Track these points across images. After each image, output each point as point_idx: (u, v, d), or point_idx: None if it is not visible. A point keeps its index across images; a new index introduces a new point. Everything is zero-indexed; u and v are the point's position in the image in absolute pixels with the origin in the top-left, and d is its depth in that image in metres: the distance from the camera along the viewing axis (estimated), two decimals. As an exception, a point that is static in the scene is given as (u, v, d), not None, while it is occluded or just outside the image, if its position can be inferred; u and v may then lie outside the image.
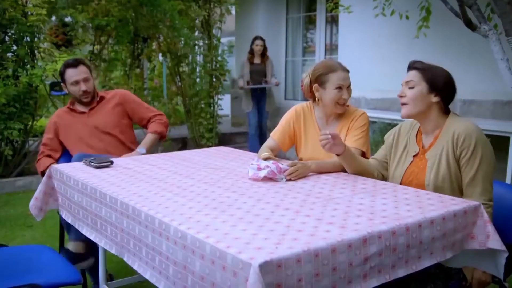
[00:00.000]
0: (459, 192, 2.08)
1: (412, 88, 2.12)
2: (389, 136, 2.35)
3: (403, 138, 2.28)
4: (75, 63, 3.11)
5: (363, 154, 2.45)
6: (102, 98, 3.19)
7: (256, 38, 6.79)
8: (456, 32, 4.54)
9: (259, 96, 6.88)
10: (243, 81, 6.77)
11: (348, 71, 2.48)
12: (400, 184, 2.20)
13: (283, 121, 2.66)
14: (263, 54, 6.82)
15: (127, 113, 3.22)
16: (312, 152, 2.54)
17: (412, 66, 2.17)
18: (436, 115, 2.14)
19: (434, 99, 2.11)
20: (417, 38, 4.59)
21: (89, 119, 3.11)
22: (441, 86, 2.10)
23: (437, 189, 2.06)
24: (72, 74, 3.08)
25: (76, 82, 3.08)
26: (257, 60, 6.82)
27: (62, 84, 3.18)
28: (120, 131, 3.15)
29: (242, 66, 6.84)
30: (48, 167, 2.72)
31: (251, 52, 6.79)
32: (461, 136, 2.03)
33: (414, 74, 2.14)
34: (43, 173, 2.90)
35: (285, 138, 2.62)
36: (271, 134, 2.67)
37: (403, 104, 2.14)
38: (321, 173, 2.32)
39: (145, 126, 3.29)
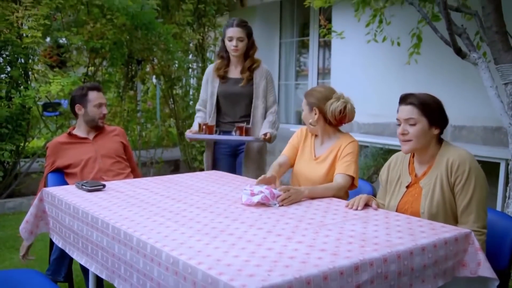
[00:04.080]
0: (453, 219, 2.10)
1: (413, 125, 2.14)
2: (382, 174, 2.41)
3: (396, 170, 2.33)
4: (99, 88, 3.25)
5: (352, 179, 2.54)
6: (103, 128, 3.27)
7: (228, 24, 3.30)
8: (447, 59, 4.61)
9: (232, 153, 3.46)
10: (201, 121, 3.37)
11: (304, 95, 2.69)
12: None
13: (291, 139, 2.83)
14: (247, 56, 3.35)
15: (124, 147, 3.31)
16: (302, 166, 2.71)
17: (406, 101, 2.17)
18: (433, 145, 2.19)
19: (435, 131, 2.16)
20: (409, 64, 4.66)
21: (95, 144, 3.17)
22: (438, 118, 2.15)
23: (431, 216, 2.09)
24: (97, 96, 3.19)
25: (100, 105, 3.18)
26: (233, 73, 3.38)
27: (76, 104, 3.19)
28: (125, 159, 3.26)
29: (205, 84, 3.45)
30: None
31: (223, 54, 3.38)
32: (455, 163, 2.07)
33: (412, 111, 2.14)
34: None
35: (293, 152, 2.78)
36: (283, 152, 2.81)
37: (407, 141, 2.16)
38: (313, 198, 2.34)
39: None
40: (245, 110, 3.37)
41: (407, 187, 2.24)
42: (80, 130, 3.20)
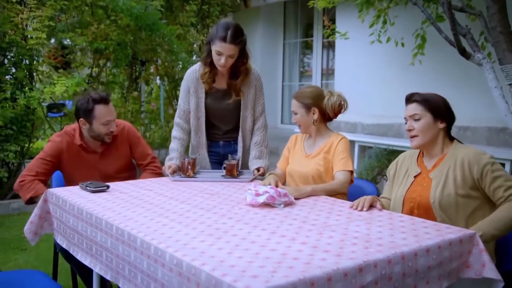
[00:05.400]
0: (461, 213, 2.12)
1: (418, 120, 2.23)
2: (390, 170, 2.47)
3: (405, 165, 2.39)
4: (106, 100, 2.87)
5: (351, 173, 2.62)
6: (113, 136, 2.99)
7: (219, 36, 2.68)
8: (451, 60, 4.60)
9: (221, 161, 2.97)
10: (176, 155, 2.98)
11: (294, 99, 2.71)
12: (403, 202, 2.27)
13: (283, 151, 2.91)
14: (236, 70, 2.87)
15: (130, 149, 3.11)
16: (295, 164, 2.77)
17: (411, 100, 2.26)
18: (442, 139, 2.26)
19: (441, 125, 2.23)
20: (413, 65, 4.65)
21: (99, 164, 2.97)
22: (443, 112, 2.23)
23: (441, 206, 2.13)
24: (104, 112, 2.86)
25: (108, 122, 2.87)
26: (219, 82, 2.95)
27: (81, 119, 2.88)
28: (126, 175, 3.06)
29: (187, 92, 2.99)
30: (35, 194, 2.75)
31: (210, 60, 2.82)
32: (474, 160, 2.13)
33: (416, 107, 2.24)
34: (31, 200, 2.78)
35: (286, 163, 2.86)
36: (277, 164, 2.90)
37: (413, 136, 2.25)
38: (318, 195, 2.43)
39: (139, 166, 3.20)
40: (233, 123, 3.03)
41: (415, 176, 2.29)
42: (85, 138, 2.97)
